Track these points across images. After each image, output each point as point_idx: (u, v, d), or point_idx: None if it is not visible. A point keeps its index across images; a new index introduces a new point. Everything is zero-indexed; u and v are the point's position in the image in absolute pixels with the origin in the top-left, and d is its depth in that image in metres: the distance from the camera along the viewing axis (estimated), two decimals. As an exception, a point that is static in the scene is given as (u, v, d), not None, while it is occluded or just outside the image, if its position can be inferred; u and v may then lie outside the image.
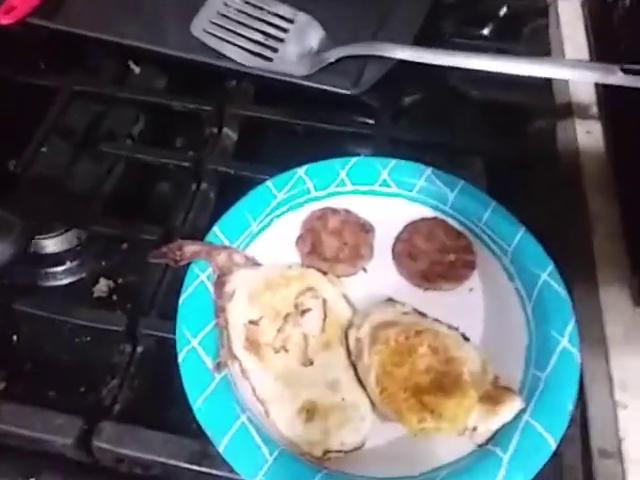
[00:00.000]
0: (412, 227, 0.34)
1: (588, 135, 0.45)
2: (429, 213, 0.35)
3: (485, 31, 0.53)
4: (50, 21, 0.45)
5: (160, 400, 0.32)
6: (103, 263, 0.41)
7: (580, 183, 0.40)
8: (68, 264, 0.40)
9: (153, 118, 0.46)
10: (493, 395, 0.27)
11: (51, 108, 0.44)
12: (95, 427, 0.29)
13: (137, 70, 0.49)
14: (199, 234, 0.35)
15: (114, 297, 0.39)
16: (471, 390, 0.27)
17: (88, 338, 0.37)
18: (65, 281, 0.40)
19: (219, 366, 0.28)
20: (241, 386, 0.28)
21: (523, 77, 0.41)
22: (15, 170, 0.42)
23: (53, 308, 0.35)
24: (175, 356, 0.31)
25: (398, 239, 0.34)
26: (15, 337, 0.38)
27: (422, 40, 0.44)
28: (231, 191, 0.40)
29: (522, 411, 0.27)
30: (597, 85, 0.47)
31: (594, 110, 0.46)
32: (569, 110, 0.44)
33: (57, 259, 0.40)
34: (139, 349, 0.33)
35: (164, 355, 0.32)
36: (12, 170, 0.44)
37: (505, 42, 0.50)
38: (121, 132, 0.45)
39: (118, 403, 0.31)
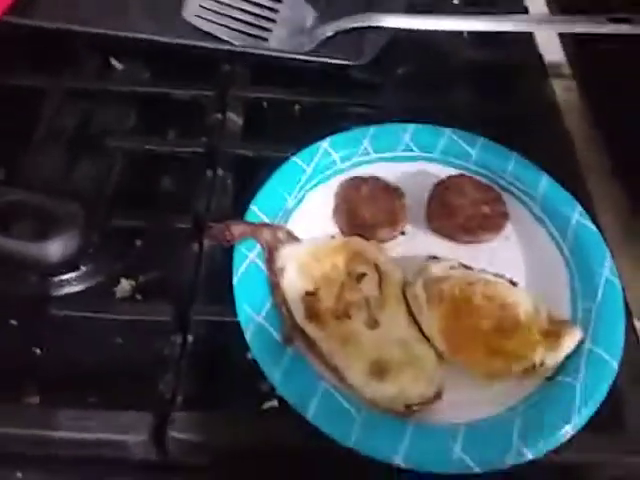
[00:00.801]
0: (441, 186, 0.35)
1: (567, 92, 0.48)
2: (454, 171, 0.36)
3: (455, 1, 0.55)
4: (27, 18, 0.43)
5: (221, 384, 0.32)
6: (120, 263, 0.39)
7: (568, 137, 0.43)
8: (82, 269, 0.39)
9: (149, 109, 0.44)
10: (552, 330, 0.29)
11: (40, 110, 0.42)
12: (167, 419, 0.29)
13: (119, 66, 0.47)
14: (227, 218, 0.35)
15: (138, 296, 0.38)
16: (531, 328, 0.28)
17: (121, 338, 0.36)
18: (80, 287, 0.38)
19: (287, 340, 0.28)
20: (311, 357, 0.28)
21: (508, 36, 0.43)
22: (7, 179, 0.40)
23: (84, 312, 0.34)
24: (231, 338, 0.31)
25: (430, 199, 0.35)
26: (38, 350, 0.36)
27: (434, 8, 0.46)
28: (246, 173, 0.40)
29: (581, 341, 0.29)
30: (565, 43, 0.50)
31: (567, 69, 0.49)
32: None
33: (70, 265, 0.38)
34: (190, 337, 0.32)
35: (218, 339, 0.32)
36: (3, 179, 0.42)
37: (477, 8, 0.52)
38: (115, 128, 0.44)
39: (179, 394, 0.30)
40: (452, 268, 0.32)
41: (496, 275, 0.31)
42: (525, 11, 0.52)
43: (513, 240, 0.34)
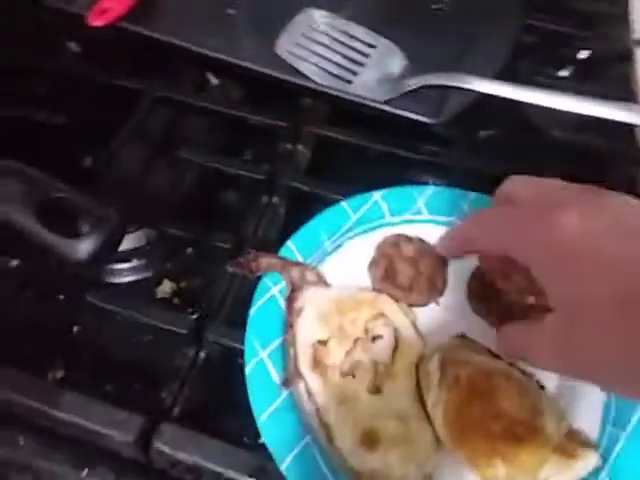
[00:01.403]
0: (486, 266, 0.33)
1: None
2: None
3: (564, 73, 0.52)
4: (138, 26, 0.47)
5: (219, 408, 0.32)
6: (168, 265, 0.41)
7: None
8: (135, 262, 0.41)
9: (227, 129, 0.47)
10: (567, 448, 0.26)
11: (132, 111, 0.45)
12: (156, 428, 0.29)
13: (214, 82, 0.50)
14: (269, 247, 0.35)
15: (175, 300, 0.40)
16: (546, 440, 0.26)
17: (149, 337, 0.38)
18: (129, 279, 0.41)
19: (286, 383, 0.28)
20: (305, 406, 0.28)
21: (604, 121, 0.40)
22: (93, 167, 0.44)
23: (122, 304, 0.36)
24: (238, 365, 0.31)
25: (473, 276, 0.33)
26: (76, 328, 0.39)
27: (500, 76, 0.44)
28: (300, 207, 0.40)
29: (598, 468, 0.26)
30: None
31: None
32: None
33: (124, 256, 0.41)
34: (202, 354, 0.33)
35: (227, 363, 0.33)
36: (88, 166, 0.45)
37: (585, 84, 0.49)
38: (196, 139, 0.46)
39: (177, 406, 0.31)
40: (477, 353, 0.30)
41: (524, 372, 0.29)
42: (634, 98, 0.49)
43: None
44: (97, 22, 0.45)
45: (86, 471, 0.31)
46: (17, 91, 0.45)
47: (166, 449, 0.29)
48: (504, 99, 0.41)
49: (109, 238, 0.28)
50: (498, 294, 0.32)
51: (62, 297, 0.40)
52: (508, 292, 0.32)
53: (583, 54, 0.52)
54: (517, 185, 0.28)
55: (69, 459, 0.31)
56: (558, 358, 0.24)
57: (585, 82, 0.50)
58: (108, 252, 0.29)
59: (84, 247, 0.27)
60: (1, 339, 0.35)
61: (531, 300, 0.31)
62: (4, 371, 0.32)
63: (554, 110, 0.41)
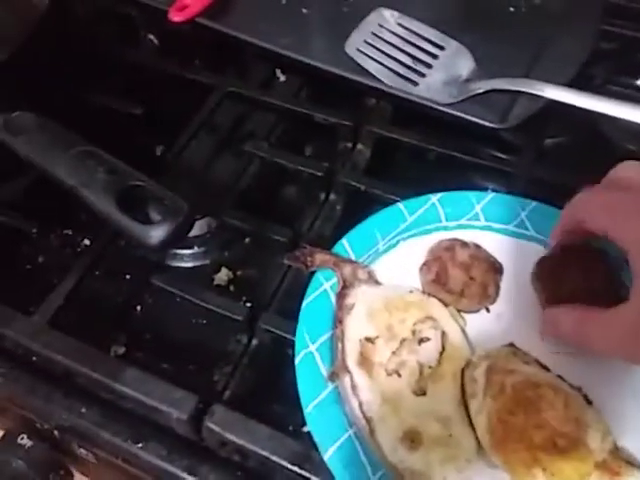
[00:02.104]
0: (556, 251, 0.32)
1: None
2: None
3: None
4: (215, 22, 0.49)
5: (268, 395, 0.33)
6: (226, 254, 0.43)
7: None
8: (195, 249, 0.43)
9: (290, 125, 0.48)
10: (611, 465, 0.26)
11: (203, 104, 0.47)
12: (209, 408, 0.31)
13: (282, 78, 0.52)
14: (324, 243, 0.36)
15: (232, 287, 0.42)
16: (588, 455, 0.26)
17: (205, 321, 0.40)
18: (190, 264, 0.43)
19: (332, 376, 0.29)
20: (350, 400, 0.29)
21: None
22: (164, 156, 0.46)
23: (182, 287, 0.38)
24: (287, 355, 0.32)
25: (541, 261, 0.32)
26: (139, 307, 0.41)
27: (573, 83, 0.43)
28: (357, 206, 0.41)
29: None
30: None
31: None
32: None
33: (187, 243, 0.43)
34: (254, 342, 0.34)
35: (278, 352, 0.34)
36: (159, 155, 0.48)
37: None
38: (260, 133, 0.48)
39: (229, 389, 0.33)
40: (525, 363, 0.29)
41: (572, 386, 0.29)
42: None
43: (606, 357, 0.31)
44: (177, 18, 0.48)
45: (141, 444, 0.33)
46: (99, 81, 0.48)
47: (217, 429, 0.30)
48: (574, 107, 0.40)
49: (179, 227, 0.30)
50: (565, 277, 0.31)
51: (128, 277, 0.42)
52: (574, 278, 0.30)
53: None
54: (630, 171, 0.29)
55: (126, 431, 0.33)
56: (627, 348, 0.25)
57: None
58: (177, 239, 0.31)
59: (157, 234, 0.29)
60: (69, 313, 0.37)
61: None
62: (71, 343, 0.35)
63: (627, 121, 0.39)
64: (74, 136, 0.33)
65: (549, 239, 0.33)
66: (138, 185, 0.30)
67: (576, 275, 0.30)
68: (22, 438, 0.37)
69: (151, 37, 0.55)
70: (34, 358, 0.36)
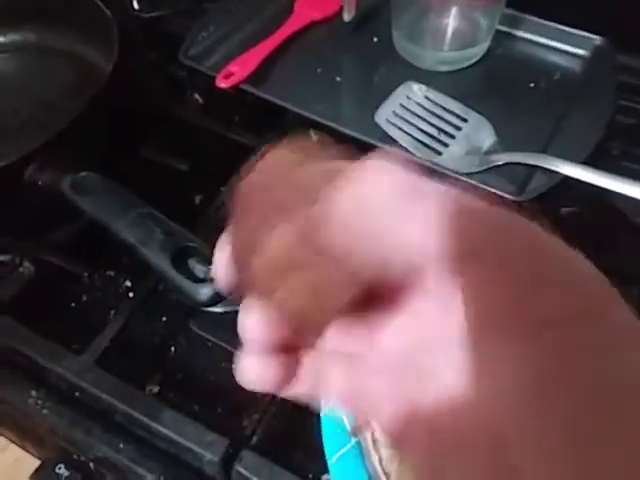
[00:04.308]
0: None
1: None
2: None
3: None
4: (256, 88, 0.53)
5: (291, 443, 0.36)
6: (256, 302, 0.46)
7: None
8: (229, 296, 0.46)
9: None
10: None
11: (243, 163, 0.51)
12: (239, 452, 0.33)
13: (315, 138, 0.56)
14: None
15: (261, 335, 0.44)
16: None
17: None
18: (223, 309, 0.46)
19: (356, 430, 0.31)
20: (371, 454, 0.31)
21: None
22: (206, 210, 0.50)
23: (215, 333, 0.41)
24: (311, 406, 0.35)
25: None
26: (173, 349, 0.44)
27: (589, 156, 0.46)
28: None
29: None
30: None
31: None
32: None
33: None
34: (282, 392, 0.37)
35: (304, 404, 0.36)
36: (199, 207, 0.52)
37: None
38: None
39: (256, 435, 0.35)
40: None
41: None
42: None
43: None
44: (223, 84, 0.52)
45: (172, 484, 0.35)
46: (150, 138, 0.53)
47: (246, 473, 0.33)
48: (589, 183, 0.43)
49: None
50: None
51: (165, 319, 0.45)
52: None
53: (679, 140, 0.53)
54: None
55: (158, 469, 0.36)
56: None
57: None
58: (223, 297, 0.34)
59: (205, 292, 0.32)
60: (113, 353, 0.41)
61: None
62: (114, 382, 0.38)
63: (640, 199, 0.42)
64: (133, 197, 0.36)
65: None
66: (192, 247, 0.33)
67: None
68: (59, 468, 0.39)
69: (196, 96, 0.60)
70: (77, 394, 0.39)
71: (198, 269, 0.34)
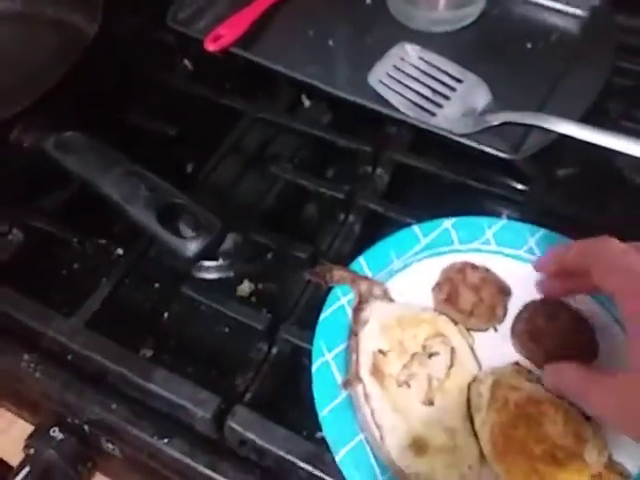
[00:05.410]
0: (532, 306, 0.34)
1: None
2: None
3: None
4: (247, 51, 0.52)
5: (285, 400, 0.36)
6: (249, 267, 0.46)
7: None
8: (221, 262, 0.46)
9: (313, 148, 0.51)
10: (605, 478, 0.27)
11: (233, 128, 0.51)
12: (231, 409, 0.33)
13: (307, 104, 0.55)
14: (342, 260, 0.39)
15: (253, 299, 0.44)
16: (585, 467, 0.27)
17: (227, 330, 0.42)
18: (215, 276, 0.46)
19: (346, 384, 0.31)
20: (362, 407, 0.31)
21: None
22: (195, 174, 0.49)
23: (208, 297, 0.40)
24: (305, 364, 0.34)
25: (518, 317, 0.34)
26: (166, 314, 0.44)
27: (587, 117, 0.45)
28: (374, 227, 0.43)
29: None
30: None
31: None
32: None
33: (213, 256, 0.46)
34: (274, 350, 0.37)
35: (296, 361, 0.36)
36: (190, 172, 0.51)
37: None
38: (285, 156, 0.51)
39: (249, 392, 0.35)
40: (529, 381, 0.31)
41: (571, 403, 0.30)
42: None
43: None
44: (212, 47, 0.51)
45: (166, 440, 0.35)
46: (138, 102, 0.52)
47: (238, 428, 0.33)
48: (585, 141, 0.42)
49: (213, 241, 0.33)
50: (544, 337, 0.33)
51: (157, 286, 0.45)
52: (553, 334, 0.32)
53: (676, 100, 0.52)
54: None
55: (152, 428, 0.36)
56: (623, 417, 0.26)
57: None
58: (210, 253, 0.34)
59: (192, 247, 0.32)
60: (104, 316, 0.40)
61: (576, 342, 0.32)
62: (105, 344, 0.38)
63: (637, 157, 0.41)
64: (119, 155, 0.36)
65: (537, 262, 0.34)
66: (176, 202, 0.33)
67: (562, 333, 0.33)
68: (54, 431, 0.39)
69: (186, 62, 0.58)
70: (69, 357, 0.39)
71: (184, 225, 0.33)
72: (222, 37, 0.52)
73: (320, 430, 0.32)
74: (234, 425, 0.33)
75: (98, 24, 0.46)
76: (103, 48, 0.47)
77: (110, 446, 0.38)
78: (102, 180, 0.34)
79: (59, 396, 0.38)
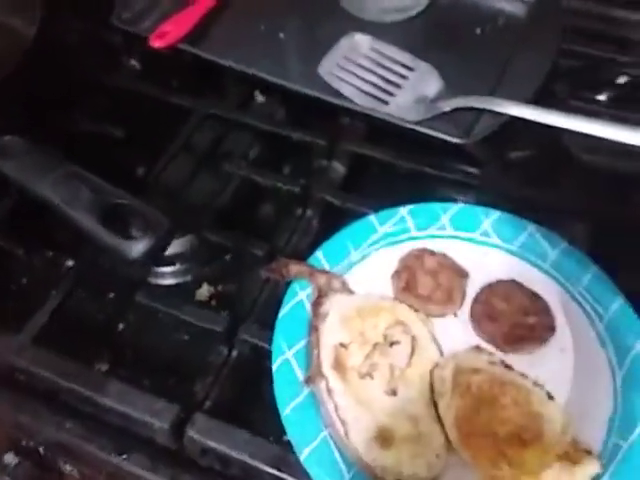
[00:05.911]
0: (488, 289, 0.34)
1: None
2: (525, 268, 0.35)
3: (601, 97, 0.53)
4: (195, 47, 0.51)
5: (247, 403, 0.34)
6: (207, 269, 0.45)
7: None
8: (177, 266, 0.44)
9: (267, 144, 0.50)
10: (570, 455, 0.27)
11: (183, 126, 0.49)
12: (190, 417, 0.32)
13: (261, 99, 0.54)
14: (300, 256, 0.38)
15: (213, 302, 0.43)
16: (550, 446, 0.27)
17: (187, 336, 0.41)
18: (172, 281, 0.44)
19: (308, 380, 0.30)
20: (325, 403, 0.30)
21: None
22: (145, 176, 0.48)
23: (165, 303, 0.39)
24: (266, 365, 0.33)
25: (475, 300, 0.34)
26: (122, 325, 0.42)
27: (536, 98, 0.45)
28: (332, 220, 0.43)
29: (599, 475, 0.27)
30: None
31: None
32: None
33: (169, 260, 0.44)
34: (234, 353, 0.36)
35: (256, 362, 0.35)
36: (141, 175, 0.49)
37: (622, 110, 0.50)
38: (238, 152, 0.50)
39: (209, 399, 0.34)
40: (491, 363, 0.31)
41: (535, 383, 0.30)
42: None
43: (568, 353, 0.32)
44: (157, 44, 0.50)
45: (125, 456, 0.33)
46: (84, 105, 0.50)
47: (198, 437, 0.31)
48: (535, 122, 0.43)
49: (160, 240, 0.31)
50: (501, 317, 0.33)
51: (111, 296, 0.43)
52: (510, 314, 0.33)
53: (622, 79, 0.53)
54: None
55: (110, 444, 0.34)
56: None
57: (624, 108, 0.50)
58: (158, 253, 0.32)
59: (138, 247, 0.30)
60: (54, 331, 0.38)
61: (532, 320, 0.32)
62: (54, 360, 0.36)
63: (583, 134, 0.41)
64: (60, 158, 0.34)
65: None
66: (121, 203, 0.31)
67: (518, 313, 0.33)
68: (8, 456, 0.37)
69: (133, 62, 0.57)
70: (20, 377, 0.37)
71: (135, 228, 0.32)
72: (168, 34, 0.51)
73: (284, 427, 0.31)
74: (193, 434, 0.31)
75: (37, 27, 0.45)
76: (45, 51, 0.45)
77: (68, 467, 0.36)
78: (41, 184, 0.32)
79: (11, 418, 0.36)
